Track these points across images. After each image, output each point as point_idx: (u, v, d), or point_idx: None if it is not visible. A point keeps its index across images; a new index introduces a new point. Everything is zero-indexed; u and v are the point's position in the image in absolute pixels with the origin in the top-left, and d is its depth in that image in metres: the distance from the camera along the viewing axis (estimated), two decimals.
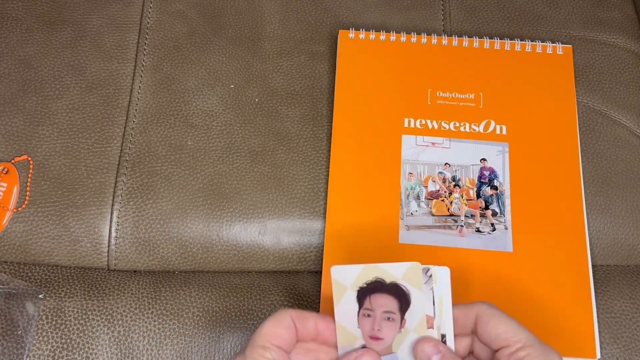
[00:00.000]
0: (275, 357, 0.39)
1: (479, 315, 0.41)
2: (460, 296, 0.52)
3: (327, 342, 0.43)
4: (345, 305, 0.43)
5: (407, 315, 0.43)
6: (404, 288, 0.43)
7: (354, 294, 0.44)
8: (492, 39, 0.64)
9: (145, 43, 0.64)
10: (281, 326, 0.41)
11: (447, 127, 0.60)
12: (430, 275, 0.43)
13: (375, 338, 0.43)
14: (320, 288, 0.54)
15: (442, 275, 0.43)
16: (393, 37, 0.63)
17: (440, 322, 0.43)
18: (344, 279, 0.44)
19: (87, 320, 0.53)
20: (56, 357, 0.52)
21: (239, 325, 0.54)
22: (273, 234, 0.57)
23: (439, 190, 0.58)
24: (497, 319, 0.41)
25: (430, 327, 0.43)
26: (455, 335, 0.43)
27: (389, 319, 0.44)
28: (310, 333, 0.42)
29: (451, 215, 0.57)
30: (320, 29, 0.65)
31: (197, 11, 0.65)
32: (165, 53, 0.63)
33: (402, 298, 0.44)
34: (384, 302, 0.43)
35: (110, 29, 0.64)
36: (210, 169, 0.59)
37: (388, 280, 0.44)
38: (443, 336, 0.43)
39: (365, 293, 0.44)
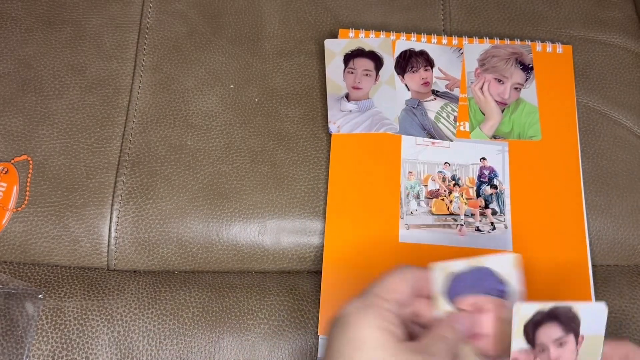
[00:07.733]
0: (393, 309, 0.40)
1: (629, 355, 0.42)
2: None
3: (421, 293, 0.43)
4: (334, 66, 0.60)
5: (381, 72, 0.60)
6: (378, 54, 0.61)
7: (341, 58, 0.61)
8: (492, 38, 0.64)
9: (145, 43, 0.64)
10: (403, 282, 0.42)
11: None
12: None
13: (357, 88, 0.60)
14: (320, 288, 0.54)
15: (595, 312, 0.41)
16: (393, 36, 0.63)
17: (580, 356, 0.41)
18: (334, 49, 0.61)
19: (86, 320, 0.53)
20: (56, 357, 0.52)
21: (238, 325, 0.54)
22: (273, 234, 0.57)
23: (438, 189, 0.58)
24: None
25: None
26: None
27: (366, 74, 0.60)
28: (424, 290, 0.43)
29: (451, 214, 0.57)
30: (321, 29, 0.65)
31: (197, 11, 0.65)
32: (165, 53, 0.63)
33: (377, 61, 0.61)
34: (364, 63, 0.60)
35: (110, 29, 0.64)
36: (210, 169, 0.59)
37: (367, 49, 0.61)
38: None
39: (349, 57, 0.61)
